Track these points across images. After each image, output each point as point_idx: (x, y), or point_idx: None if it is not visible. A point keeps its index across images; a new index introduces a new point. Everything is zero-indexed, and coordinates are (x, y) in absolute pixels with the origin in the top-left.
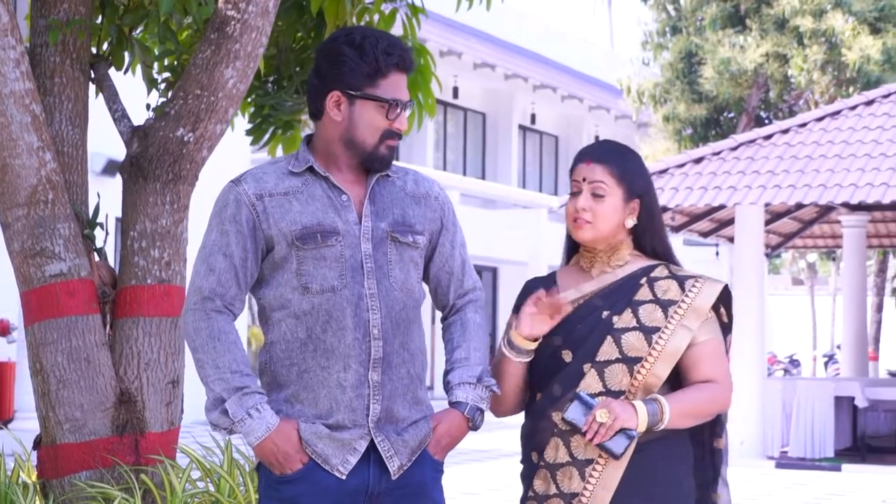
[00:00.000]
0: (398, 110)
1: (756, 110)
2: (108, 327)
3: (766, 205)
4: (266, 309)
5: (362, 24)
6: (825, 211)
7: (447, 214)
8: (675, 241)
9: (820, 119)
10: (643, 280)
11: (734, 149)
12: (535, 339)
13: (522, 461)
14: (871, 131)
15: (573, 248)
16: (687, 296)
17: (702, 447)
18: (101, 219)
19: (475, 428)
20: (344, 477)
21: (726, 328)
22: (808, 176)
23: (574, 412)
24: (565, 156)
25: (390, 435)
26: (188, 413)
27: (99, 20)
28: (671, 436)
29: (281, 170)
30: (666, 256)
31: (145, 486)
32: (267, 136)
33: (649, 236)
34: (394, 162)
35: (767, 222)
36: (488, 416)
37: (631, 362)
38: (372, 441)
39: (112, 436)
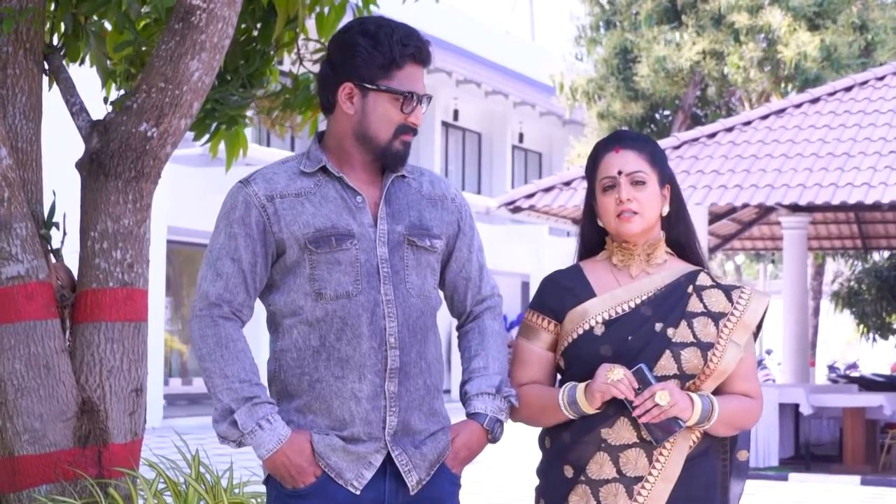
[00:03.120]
0: (414, 104)
1: (692, 108)
2: (67, 333)
3: (710, 205)
4: (276, 315)
5: (313, 14)
6: (765, 212)
7: (464, 217)
8: None
9: (765, 117)
10: (690, 289)
11: (677, 147)
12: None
13: (544, 473)
14: (817, 130)
15: (595, 241)
16: (736, 308)
17: (724, 459)
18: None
19: (494, 440)
20: (358, 492)
21: (754, 333)
22: (754, 176)
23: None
24: (489, 153)
25: (408, 448)
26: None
27: (53, 8)
28: (710, 451)
29: (292, 170)
30: (691, 248)
31: (111, 499)
32: (210, 133)
33: (681, 225)
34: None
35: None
36: None
37: (685, 379)
38: (388, 454)
39: (74, 447)
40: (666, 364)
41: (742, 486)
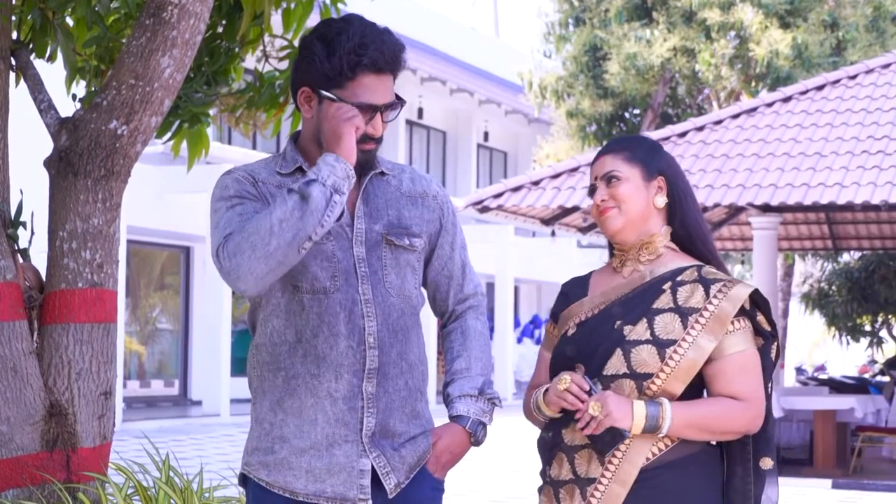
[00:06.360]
0: (369, 114)
1: (662, 107)
2: (35, 334)
3: None
4: (255, 309)
5: (279, 10)
6: (735, 212)
7: (446, 214)
8: (571, 242)
9: (736, 116)
10: (667, 285)
11: None
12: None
13: (539, 473)
14: (788, 129)
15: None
16: (710, 303)
17: (744, 466)
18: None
19: (477, 443)
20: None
21: (769, 335)
22: (725, 175)
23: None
24: (453, 152)
25: (386, 451)
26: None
27: (21, 3)
28: (689, 462)
29: (270, 170)
30: (700, 238)
31: None
32: (172, 131)
33: (682, 213)
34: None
35: None
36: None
37: (640, 378)
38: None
39: (41, 451)
40: (616, 362)
41: (774, 494)
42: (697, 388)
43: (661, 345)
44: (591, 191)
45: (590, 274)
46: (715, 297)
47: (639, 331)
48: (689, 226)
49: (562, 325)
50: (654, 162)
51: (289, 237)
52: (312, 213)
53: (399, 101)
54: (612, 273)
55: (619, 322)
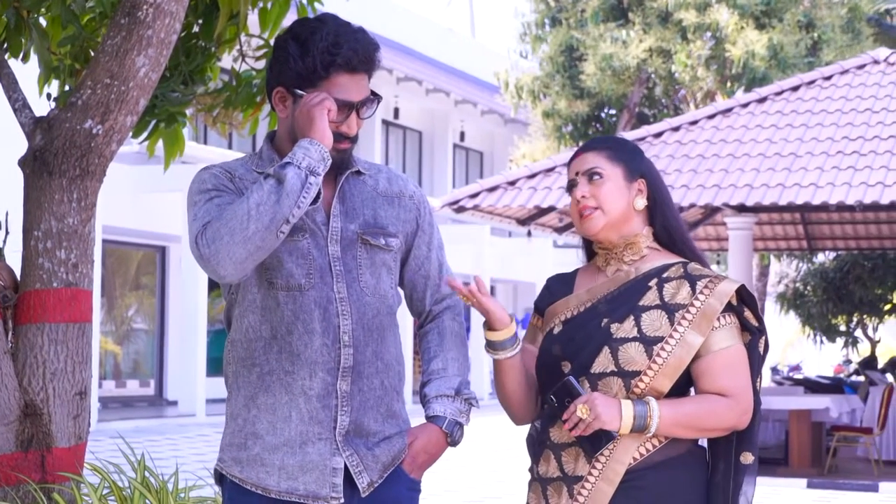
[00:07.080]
0: (344, 113)
1: (638, 107)
2: (9, 334)
3: None
4: (231, 305)
5: (256, 9)
6: (710, 212)
7: (423, 215)
8: (547, 242)
9: (711, 117)
10: (653, 282)
11: None
12: (502, 326)
13: (528, 469)
14: (764, 130)
15: (591, 246)
16: (697, 298)
17: (726, 461)
18: None
19: (454, 443)
20: (340, 502)
21: (757, 331)
22: (700, 176)
23: (559, 395)
24: (430, 152)
25: (360, 449)
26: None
27: None
28: (676, 463)
29: (247, 167)
30: (681, 238)
31: None
32: (148, 131)
33: (662, 215)
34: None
35: None
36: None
37: (628, 376)
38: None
39: (16, 451)
40: (603, 360)
41: (750, 491)
42: (683, 386)
43: (649, 342)
44: (571, 186)
45: (576, 271)
46: (701, 293)
47: (626, 328)
48: (670, 228)
49: (547, 321)
50: (636, 164)
51: (266, 221)
52: (288, 195)
53: (375, 97)
54: (597, 271)
55: (605, 320)
